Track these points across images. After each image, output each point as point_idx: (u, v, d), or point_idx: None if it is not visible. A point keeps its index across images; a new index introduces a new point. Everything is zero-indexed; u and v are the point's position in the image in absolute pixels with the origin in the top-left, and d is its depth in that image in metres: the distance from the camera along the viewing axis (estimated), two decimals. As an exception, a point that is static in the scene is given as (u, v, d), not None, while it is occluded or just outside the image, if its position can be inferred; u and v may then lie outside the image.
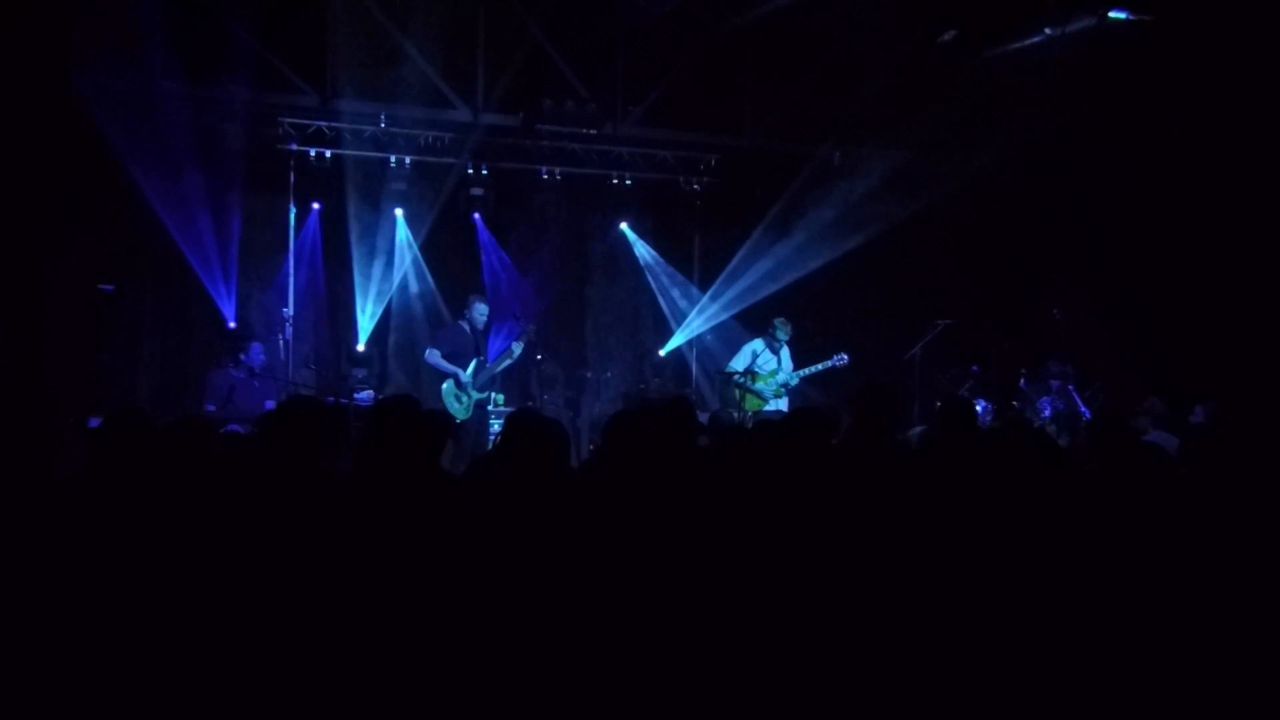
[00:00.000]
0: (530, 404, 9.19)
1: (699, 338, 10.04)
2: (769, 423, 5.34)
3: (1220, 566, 2.84)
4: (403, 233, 9.25)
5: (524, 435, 3.13)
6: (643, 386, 9.86)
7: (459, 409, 7.83)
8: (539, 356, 8.76)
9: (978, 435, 4.18)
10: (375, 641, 2.60)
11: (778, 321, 8.48)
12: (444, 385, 7.87)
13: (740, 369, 8.40)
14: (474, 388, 7.93)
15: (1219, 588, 2.76)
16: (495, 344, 8.85)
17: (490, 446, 7.73)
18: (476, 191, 9.35)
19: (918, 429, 7.04)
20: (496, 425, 8.14)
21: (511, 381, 9.07)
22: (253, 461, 3.36)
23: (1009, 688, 2.59)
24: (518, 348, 8.05)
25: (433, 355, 7.94)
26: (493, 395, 8.20)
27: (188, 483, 3.08)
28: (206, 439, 3.35)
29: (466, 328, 8.11)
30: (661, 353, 10.05)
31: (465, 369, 7.90)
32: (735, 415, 8.04)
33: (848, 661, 2.70)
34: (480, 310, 8.14)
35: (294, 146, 8.64)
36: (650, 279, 10.13)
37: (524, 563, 2.73)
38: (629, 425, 3.42)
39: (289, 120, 8.58)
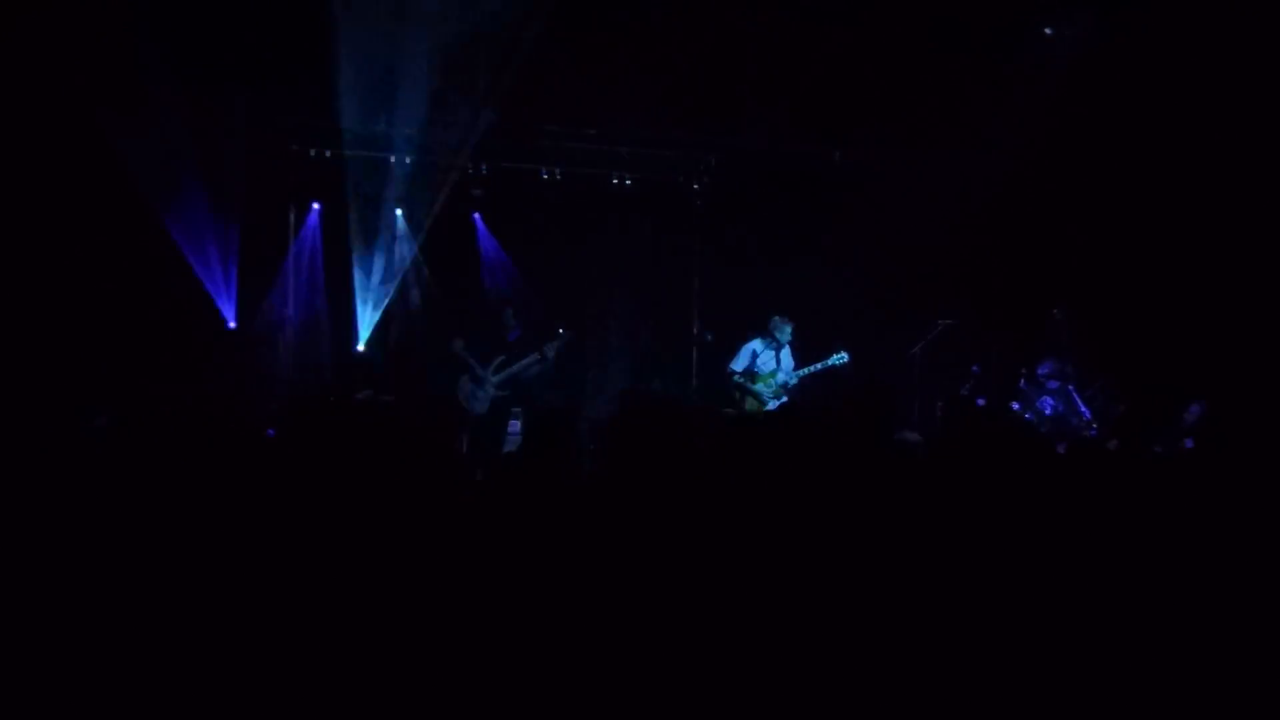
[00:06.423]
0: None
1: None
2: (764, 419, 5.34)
3: (1216, 565, 2.84)
4: (403, 230, 9.25)
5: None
6: (642, 387, 9.85)
7: (474, 403, 7.95)
8: (539, 356, 8.75)
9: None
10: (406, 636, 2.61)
11: (776, 319, 8.31)
12: (461, 377, 8.05)
13: (739, 369, 8.38)
14: (494, 385, 8.01)
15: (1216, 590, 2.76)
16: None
17: (505, 444, 7.77)
18: (476, 191, 9.35)
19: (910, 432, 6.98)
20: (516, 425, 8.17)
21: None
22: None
23: (1016, 691, 2.60)
24: (550, 350, 8.10)
25: (456, 344, 8.17)
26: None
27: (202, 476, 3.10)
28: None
29: (500, 326, 8.34)
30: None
31: (488, 365, 8.03)
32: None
33: (846, 662, 2.70)
34: (508, 313, 8.38)
35: (294, 146, 8.63)
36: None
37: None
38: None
39: (289, 120, 8.58)
